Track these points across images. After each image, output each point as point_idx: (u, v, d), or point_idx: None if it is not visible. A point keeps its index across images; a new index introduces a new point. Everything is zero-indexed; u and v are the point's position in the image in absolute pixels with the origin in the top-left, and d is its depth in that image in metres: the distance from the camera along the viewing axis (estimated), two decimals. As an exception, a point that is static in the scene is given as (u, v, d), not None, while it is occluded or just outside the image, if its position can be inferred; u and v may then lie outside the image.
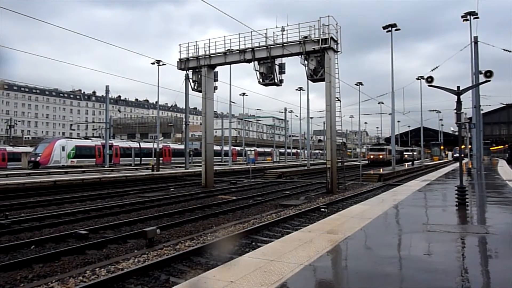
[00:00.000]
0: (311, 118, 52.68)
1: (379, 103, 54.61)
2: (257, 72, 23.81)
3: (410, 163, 49.24)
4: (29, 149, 46.85)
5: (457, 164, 27.17)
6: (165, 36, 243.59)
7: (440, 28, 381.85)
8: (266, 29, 22.79)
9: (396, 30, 32.31)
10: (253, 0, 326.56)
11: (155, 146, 41.18)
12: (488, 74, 11.13)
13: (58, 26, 31.11)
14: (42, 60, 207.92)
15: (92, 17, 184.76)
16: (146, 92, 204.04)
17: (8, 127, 71.26)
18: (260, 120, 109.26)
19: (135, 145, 52.54)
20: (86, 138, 52.56)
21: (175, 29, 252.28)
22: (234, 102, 47.65)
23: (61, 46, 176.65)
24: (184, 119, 41.01)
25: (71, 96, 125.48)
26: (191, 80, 27.00)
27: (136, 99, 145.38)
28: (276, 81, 23.58)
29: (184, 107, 39.00)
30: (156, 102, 41.92)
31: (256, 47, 23.31)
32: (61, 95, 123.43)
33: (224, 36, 24.45)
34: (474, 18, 27.03)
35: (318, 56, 22.08)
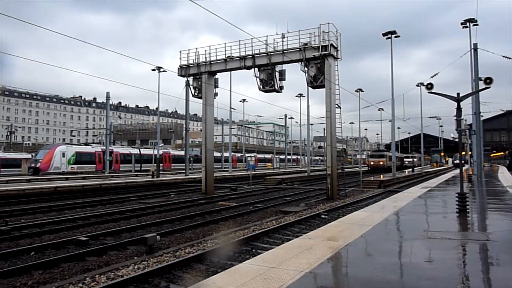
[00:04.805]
0: (311, 124, 52.73)
1: (379, 110, 54.74)
2: (258, 79, 23.88)
3: (411, 169, 49.14)
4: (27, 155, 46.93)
5: (458, 171, 27.12)
6: (156, 42, 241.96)
7: (431, 34, 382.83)
8: (267, 36, 22.99)
9: (396, 37, 32.48)
10: (243, 2, 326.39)
11: (155, 152, 41.19)
12: (488, 81, 11.16)
13: (53, 31, 31.27)
14: (34, 65, 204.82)
15: (81, 23, 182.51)
16: (144, 98, 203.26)
17: (8, 133, 71.39)
18: (260, 127, 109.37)
19: (135, 151, 52.52)
20: (86, 144, 52.53)
21: (165, 35, 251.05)
22: (234, 109, 47.76)
23: (52, 52, 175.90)
24: (184, 126, 41.10)
25: (72, 102, 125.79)
26: (191, 87, 27.07)
27: (137, 106, 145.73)
28: (276, 87, 23.65)
29: (184, 114, 39.09)
30: (157, 108, 42.09)
31: (257, 54, 23.38)
32: (62, 101, 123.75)
33: (225, 43, 24.59)
34: (473, 25, 27.20)
35: (318, 63, 22.14)
